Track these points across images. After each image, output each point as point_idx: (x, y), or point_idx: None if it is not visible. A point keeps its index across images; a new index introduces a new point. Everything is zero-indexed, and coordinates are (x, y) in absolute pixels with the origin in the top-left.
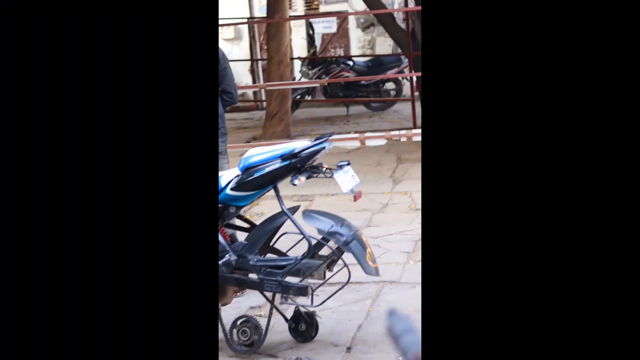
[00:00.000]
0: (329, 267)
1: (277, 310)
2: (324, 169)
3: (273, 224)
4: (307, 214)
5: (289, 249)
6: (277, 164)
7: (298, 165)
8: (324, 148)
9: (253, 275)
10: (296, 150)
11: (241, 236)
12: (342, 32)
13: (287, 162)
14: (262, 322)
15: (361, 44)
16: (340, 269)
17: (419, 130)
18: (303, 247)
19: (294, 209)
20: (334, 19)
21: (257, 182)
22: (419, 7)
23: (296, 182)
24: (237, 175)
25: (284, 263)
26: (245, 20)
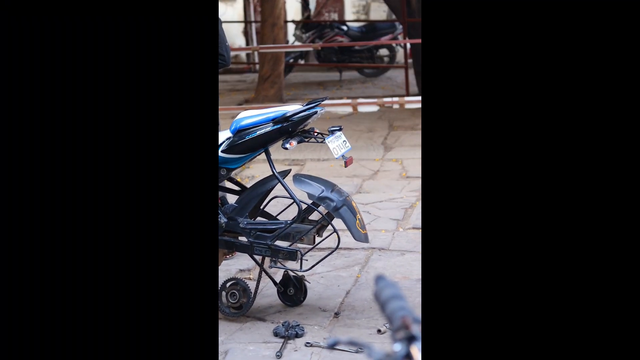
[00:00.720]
0: (319, 232)
1: (266, 273)
2: (315, 134)
3: (264, 187)
4: (298, 178)
5: (279, 213)
6: (269, 127)
7: (290, 129)
8: (316, 113)
9: (243, 238)
10: (288, 114)
11: (231, 199)
12: None
13: (278, 126)
14: (251, 285)
15: (355, 9)
16: (330, 235)
17: (412, 98)
18: (293, 212)
19: (284, 173)
20: None
21: (248, 145)
22: None
23: (287, 146)
24: (229, 138)
25: (273, 227)
26: None
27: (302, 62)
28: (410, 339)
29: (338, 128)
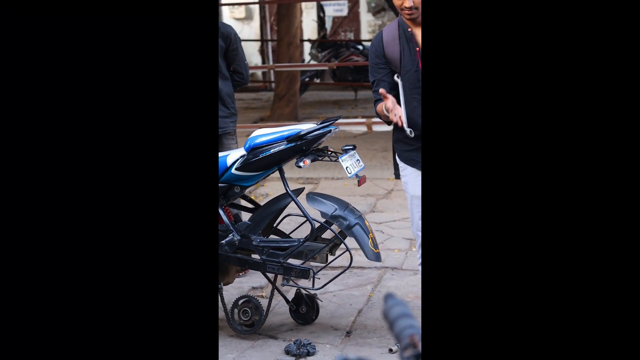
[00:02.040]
0: (332, 250)
1: (279, 291)
2: (329, 153)
3: (277, 205)
4: (312, 196)
5: (292, 231)
6: (283, 146)
7: (304, 148)
8: (330, 131)
9: (255, 256)
10: (302, 133)
11: (245, 216)
12: (353, 16)
13: (293, 144)
14: (264, 303)
15: (371, 28)
16: (343, 253)
17: None
18: (306, 230)
19: (298, 191)
20: (345, 2)
21: (262, 163)
22: None
23: (301, 164)
24: (243, 155)
25: (286, 245)
26: (257, 0)
27: (317, 80)
28: (418, 358)
29: (352, 147)
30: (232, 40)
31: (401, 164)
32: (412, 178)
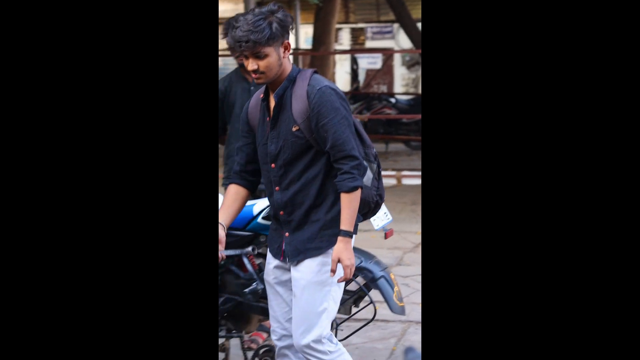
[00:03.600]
0: (356, 302)
1: None
2: None
3: None
4: None
5: None
6: None
7: None
8: None
9: None
10: None
11: None
12: (387, 69)
13: None
14: None
15: (405, 81)
16: (367, 305)
17: None
18: None
19: None
20: (379, 55)
21: None
22: None
23: None
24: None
25: None
26: (291, 50)
27: None
28: None
29: None
30: None
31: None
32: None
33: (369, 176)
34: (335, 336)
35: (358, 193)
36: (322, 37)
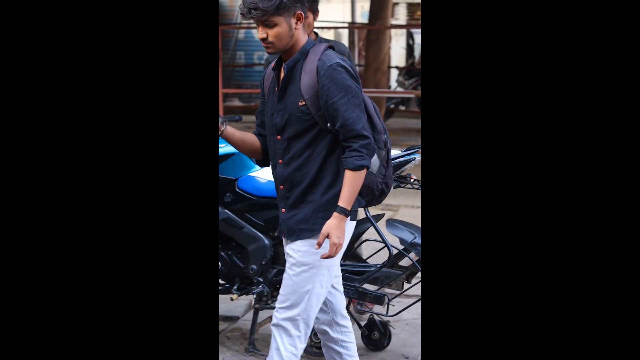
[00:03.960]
0: (408, 278)
1: (352, 316)
2: (412, 180)
3: (356, 229)
4: (391, 223)
5: (370, 256)
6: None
7: None
8: (414, 159)
9: None
10: None
11: None
12: None
13: None
14: None
15: None
16: (419, 282)
17: None
18: (383, 256)
19: (378, 217)
20: None
21: None
22: None
23: None
24: None
25: (363, 270)
26: (347, 24)
27: (402, 108)
28: None
29: None
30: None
31: None
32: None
33: (375, 163)
34: (387, 311)
35: (363, 173)
36: (378, 12)
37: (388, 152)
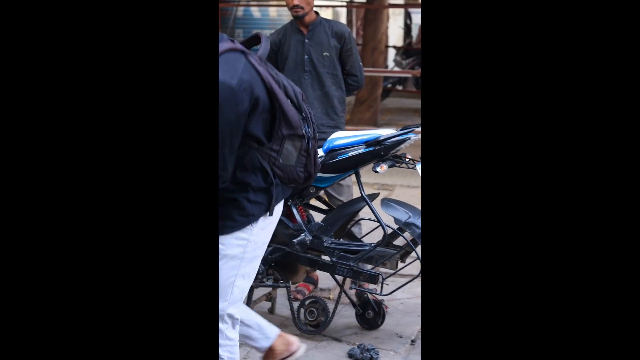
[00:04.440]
0: (402, 258)
1: (346, 294)
2: (407, 160)
3: (351, 208)
4: (386, 202)
5: (364, 235)
6: (361, 150)
7: (382, 153)
8: (409, 139)
9: (326, 257)
10: (381, 138)
11: (318, 218)
12: None
13: (371, 149)
14: (330, 305)
15: None
16: (413, 261)
17: None
18: (378, 235)
19: (373, 196)
20: None
21: (339, 165)
22: None
23: (378, 169)
24: (320, 157)
25: (357, 248)
26: (345, 3)
27: (399, 88)
28: None
29: None
30: (347, 40)
31: None
32: None
33: (292, 154)
34: (381, 291)
35: None
36: None
37: (309, 140)
